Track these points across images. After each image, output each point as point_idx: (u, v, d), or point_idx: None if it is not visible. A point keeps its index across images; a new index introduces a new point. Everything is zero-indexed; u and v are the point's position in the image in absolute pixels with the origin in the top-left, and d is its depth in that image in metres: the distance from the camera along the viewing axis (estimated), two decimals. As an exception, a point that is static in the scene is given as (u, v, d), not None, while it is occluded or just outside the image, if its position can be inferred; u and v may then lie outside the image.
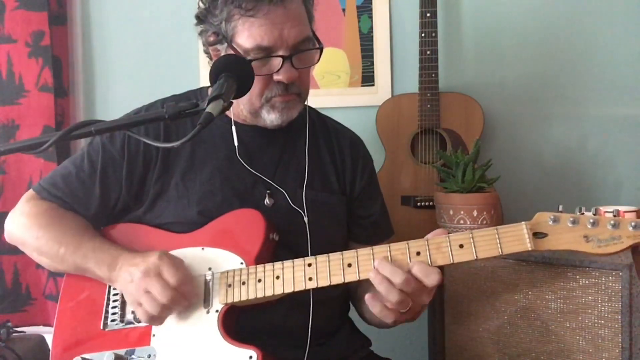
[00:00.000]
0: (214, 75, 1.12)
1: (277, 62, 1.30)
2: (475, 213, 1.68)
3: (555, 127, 2.05)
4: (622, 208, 1.57)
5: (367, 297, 1.18)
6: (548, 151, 2.05)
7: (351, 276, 1.19)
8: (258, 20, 1.28)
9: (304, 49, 1.33)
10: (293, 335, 1.33)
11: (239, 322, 1.28)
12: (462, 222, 1.69)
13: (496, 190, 1.84)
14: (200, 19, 1.37)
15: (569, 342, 1.47)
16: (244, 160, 1.40)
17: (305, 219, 1.37)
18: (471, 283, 1.63)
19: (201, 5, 1.36)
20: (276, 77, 1.32)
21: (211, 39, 1.36)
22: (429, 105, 1.93)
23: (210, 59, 1.40)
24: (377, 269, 1.15)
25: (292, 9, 1.30)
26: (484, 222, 1.69)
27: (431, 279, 1.13)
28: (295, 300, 1.28)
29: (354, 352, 1.47)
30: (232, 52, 1.32)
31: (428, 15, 1.92)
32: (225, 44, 1.33)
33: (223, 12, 1.31)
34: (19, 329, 1.70)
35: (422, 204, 1.94)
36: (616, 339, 1.40)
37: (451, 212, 1.71)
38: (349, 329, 1.50)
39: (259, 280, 1.24)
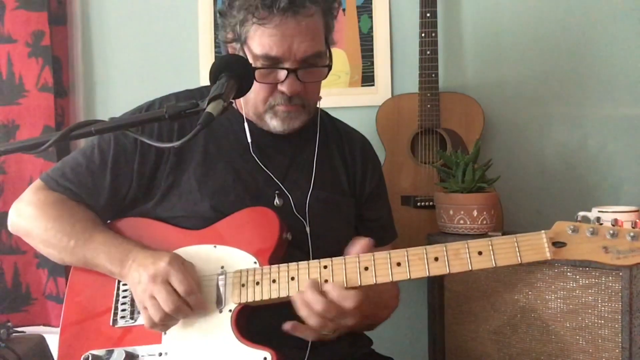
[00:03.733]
0: (214, 75, 1.12)
1: (283, 73, 1.32)
2: (475, 213, 1.68)
3: (555, 127, 2.05)
4: (621, 208, 1.57)
5: (288, 325, 1.21)
6: (548, 151, 2.05)
7: (368, 280, 1.19)
8: (269, 30, 1.30)
9: (311, 64, 1.34)
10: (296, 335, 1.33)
11: (250, 322, 1.28)
12: (462, 222, 1.69)
13: (496, 190, 1.84)
14: (221, 15, 1.40)
15: (569, 342, 1.47)
16: (256, 158, 1.41)
17: (307, 229, 1.37)
18: (471, 283, 1.63)
19: (225, 1, 1.38)
20: (280, 87, 1.34)
21: (229, 36, 1.38)
22: (429, 105, 1.93)
23: None
24: (302, 294, 1.18)
25: (306, 22, 1.30)
26: (484, 222, 1.69)
27: (348, 302, 1.16)
28: None
29: (355, 351, 1.47)
30: (244, 53, 1.34)
31: (428, 15, 1.92)
32: (240, 45, 1.35)
33: (239, 15, 1.33)
34: (19, 329, 1.70)
35: (422, 204, 1.94)
36: (616, 339, 1.40)
37: (451, 212, 1.71)
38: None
39: (274, 281, 1.23)
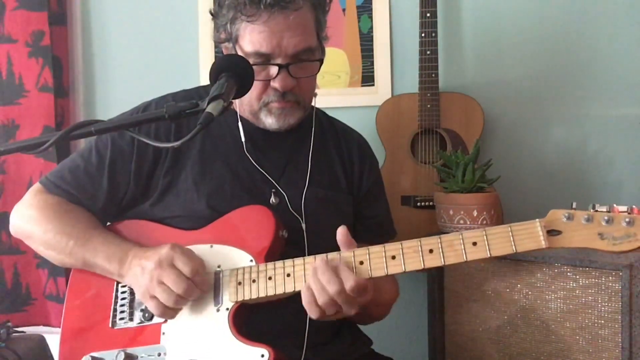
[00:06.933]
0: (214, 75, 1.12)
1: (274, 69, 1.32)
2: (475, 213, 1.68)
3: (555, 127, 2.05)
4: (621, 208, 1.57)
5: (303, 287, 1.19)
6: (548, 151, 2.05)
7: (364, 274, 1.19)
8: (258, 27, 1.30)
9: (303, 59, 1.34)
10: (298, 334, 1.34)
11: (247, 320, 1.29)
12: (462, 222, 1.69)
13: (496, 190, 1.84)
14: (213, 15, 1.40)
15: (569, 342, 1.47)
16: (252, 157, 1.41)
17: (303, 225, 1.38)
18: (471, 283, 1.63)
19: (216, 1, 1.39)
20: (272, 84, 1.34)
21: (222, 36, 1.38)
22: (429, 105, 1.93)
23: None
24: (317, 271, 1.17)
25: (294, 17, 1.30)
26: (484, 222, 1.69)
27: (362, 298, 1.18)
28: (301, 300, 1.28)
29: (355, 350, 1.47)
30: (236, 52, 1.34)
31: (428, 15, 1.92)
32: (232, 44, 1.36)
33: (229, 14, 1.33)
34: (19, 329, 1.69)
35: (422, 204, 1.94)
36: (616, 339, 1.40)
37: (451, 212, 1.71)
38: (351, 329, 1.50)
39: (270, 278, 1.24)
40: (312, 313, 1.19)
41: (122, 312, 1.33)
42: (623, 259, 1.36)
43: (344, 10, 2.13)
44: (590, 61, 2.02)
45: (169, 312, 1.25)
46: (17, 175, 2.17)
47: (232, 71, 1.12)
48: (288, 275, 1.23)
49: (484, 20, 2.07)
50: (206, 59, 2.19)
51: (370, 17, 2.11)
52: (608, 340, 1.41)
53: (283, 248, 1.32)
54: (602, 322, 1.42)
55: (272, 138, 1.43)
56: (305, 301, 1.19)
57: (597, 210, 1.09)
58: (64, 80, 2.23)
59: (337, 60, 2.12)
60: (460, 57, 2.08)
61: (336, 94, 2.13)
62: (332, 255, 1.22)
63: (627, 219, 1.06)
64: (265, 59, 1.32)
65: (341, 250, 1.22)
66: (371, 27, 2.12)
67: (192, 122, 1.40)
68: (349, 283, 1.15)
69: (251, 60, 1.30)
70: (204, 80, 2.02)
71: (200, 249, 1.31)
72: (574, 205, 1.12)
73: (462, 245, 1.15)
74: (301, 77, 1.35)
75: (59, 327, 1.38)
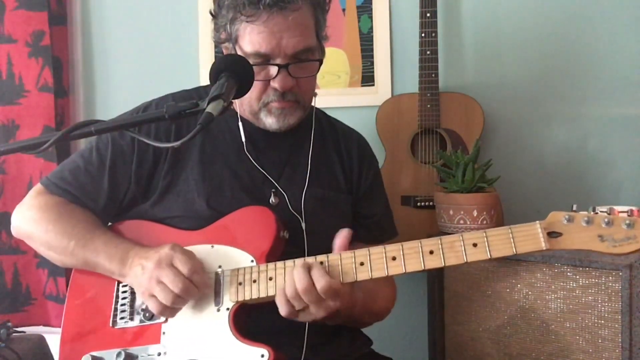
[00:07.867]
0: (214, 75, 1.12)
1: (274, 69, 1.32)
2: (475, 213, 1.68)
3: (555, 127, 2.05)
4: (621, 208, 1.57)
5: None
6: (548, 151, 2.05)
7: (364, 274, 1.19)
8: (257, 27, 1.30)
9: (302, 59, 1.34)
10: (298, 334, 1.34)
11: (247, 320, 1.29)
12: (462, 222, 1.69)
13: (496, 190, 1.84)
14: (213, 16, 1.41)
15: (569, 342, 1.47)
16: (252, 157, 1.42)
17: (303, 224, 1.38)
18: (471, 283, 1.63)
19: (216, 2, 1.39)
20: (272, 84, 1.35)
21: (222, 36, 1.39)
22: (429, 105, 1.93)
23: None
24: (293, 267, 1.20)
25: (294, 17, 1.31)
26: (484, 222, 1.69)
27: (333, 303, 1.19)
28: None
29: (355, 350, 1.47)
30: (236, 52, 1.34)
31: (428, 15, 1.92)
32: (232, 44, 1.36)
33: (229, 14, 1.34)
34: (19, 329, 1.69)
35: (422, 204, 1.94)
36: (616, 339, 1.40)
37: (451, 212, 1.71)
38: (350, 329, 1.50)
39: (270, 278, 1.24)
40: (280, 305, 1.21)
41: (122, 311, 1.33)
42: (623, 258, 1.36)
43: (344, 10, 2.13)
44: (590, 61, 2.02)
45: (168, 311, 1.25)
46: (17, 175, 2.17)
47: (232, 71, 1.12)
48: None
49: (484, 20, 2.07)
50: (206, 59, 2.19)
51: (370, 17, 2.11)
52: (608, 340, 1.41)
53: (284, 248, 1.32)
54: (602, 322, 1.42)
55: (272, 138, 1.44)
56: (277, 294, 1.21)
57: (597, 213, 1.09)
58: (64, 80, 2.23)
59: (337, 60, 2.12)
60: (460, 57, 2.08)
61: (336, 94, 2.13)
62: (333, 255, 1.22)
63: (627, 221, 1.07)
64: (265, 59, 1.32)
65: (341, 252, 1.22)
66: (371, 27, 2.12)
67: (192, 122, 1.40)
68: (320, 283, 1.17)
69: (251, 61, 1.30)
70: (204, 80, 2.02)
71: (202, 249, 1.31)
72: (574, 207, 1.12)
73: (463, 247, 1.15)
74: (301, 77, 1.35)
75: (59, 327, 1.38)
